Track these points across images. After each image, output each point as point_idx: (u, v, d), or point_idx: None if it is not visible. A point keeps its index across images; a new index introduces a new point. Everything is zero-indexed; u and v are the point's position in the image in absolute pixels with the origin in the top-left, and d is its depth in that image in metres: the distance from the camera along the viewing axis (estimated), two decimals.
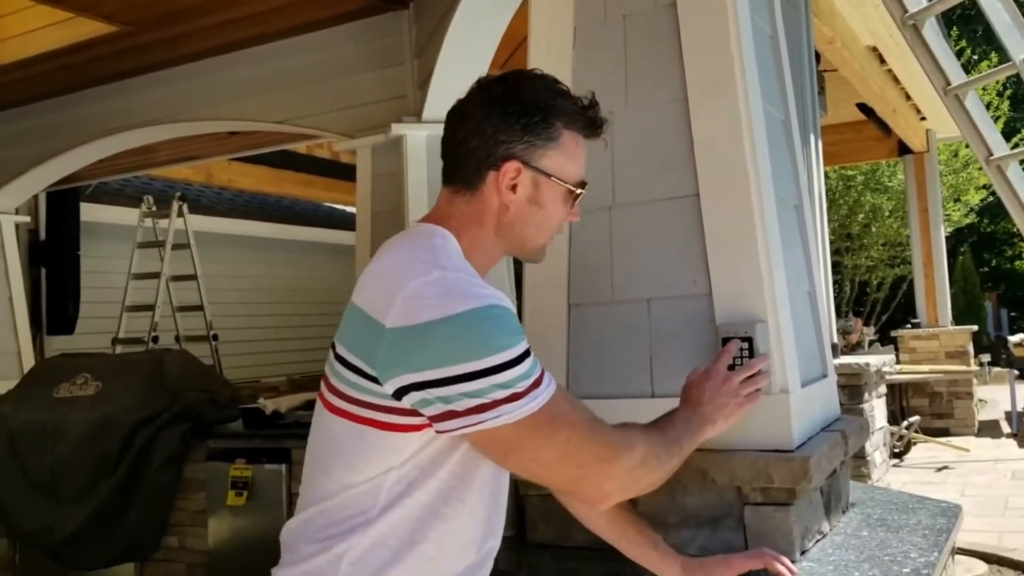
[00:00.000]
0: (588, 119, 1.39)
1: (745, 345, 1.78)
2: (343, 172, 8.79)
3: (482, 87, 1.40)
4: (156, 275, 7.20)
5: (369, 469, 1.25)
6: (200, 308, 7.24)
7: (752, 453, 1.76)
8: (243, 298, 9.40)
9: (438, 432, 1.22)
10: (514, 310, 1.25)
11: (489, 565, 1.39)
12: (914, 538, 1.89)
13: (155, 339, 7.01)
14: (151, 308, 7.09)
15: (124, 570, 4.56)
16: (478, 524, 1.33)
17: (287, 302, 10.09)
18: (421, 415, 1.21)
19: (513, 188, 1.35)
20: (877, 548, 1.83)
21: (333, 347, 1.31)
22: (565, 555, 1.92)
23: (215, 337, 7.24)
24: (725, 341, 1.80)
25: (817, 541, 1.89)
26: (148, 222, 7.40)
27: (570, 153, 1.39)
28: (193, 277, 7.22)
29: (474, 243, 1.37)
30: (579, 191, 1.41)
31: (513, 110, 1.34)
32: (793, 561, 1.69)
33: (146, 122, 5.31)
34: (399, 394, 1.20)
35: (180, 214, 7.31)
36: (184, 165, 7.34)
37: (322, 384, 1.34)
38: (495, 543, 1.39)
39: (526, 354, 1.21)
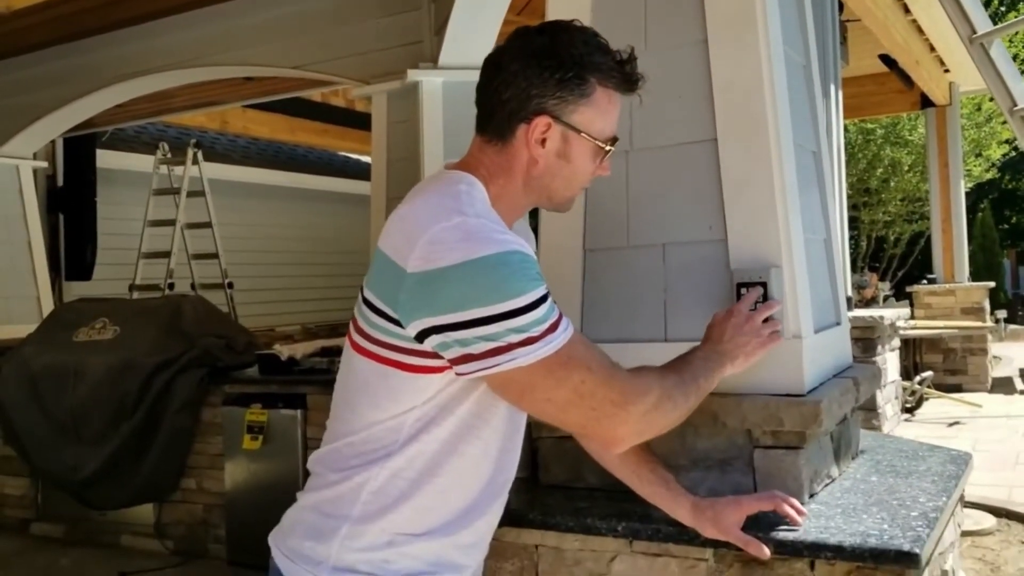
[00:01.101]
0: (623, 75, 1.39)
1: (760, 290, 1.79)
2: (358, 121, 8.76)
3: (520, 37, 1.39)
4: (171, 222, 7.24)
5: (393, 408, 1.30)
6: (215, 256, 7.28)
7: (763, 397, 1.77)
8: (258, 246, 9.44)
9: (458, 375, 1.25)
10: (534, 257, 1.26)
11: (503, 499, 1.43)
12: (923, 483, 1.90)
13: (171, 286, 7.08)
14: (167, 255, 7.14)
15: (143, 510, 4.67)
16: (491, 460, 1.37)
17: (302, 251, 10.13)
18: (443, 357, 1.24)
19: (542, 142, 1.37)
20: (886, 492, 1.85)
21: (362, 290, 1.34)
22: (576, 495, 1.95)
23: (230, 285, 7.30)
24: (739, 286, 1.80)
25: (826, 485, 1.90)
26: (163, 169, 7.42)
27: (602, 109, 1.39)
28: (208, 225, 7.26)
29: (502, 193, 1.39)
30: (608, 147, 1.42)
31: (548, 64, 1.34)
32: (802, 504, 1.71)
33: (163, 67, 5.29)
34: (420, 337, 1.23)
35: (195, 161, 7.32)
36: (200, 112, 7.32)
37: (351, 325, 1.37)
38: (508, 479, 1.43)
39: (543, 299, 1.23)
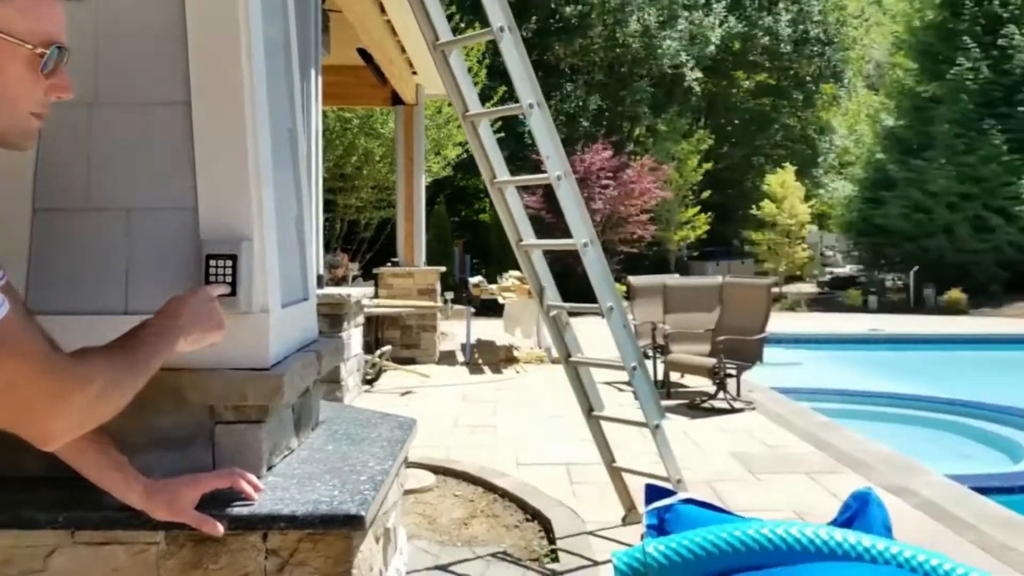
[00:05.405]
0: None
1: (229, 263, 1.76)
2: None
3: None
4: None
5: None
6: None
7: (228, 372, 1.75)
8: None
9: None
10: None
11: None
12: (373, 449, 2.06)
13: None
14: None
15: None
16: None
17: None
18: None
19: None
20: (339, 460, 1.96)
21: None
22: (14, 486, 1.73)
23: None
24: (209, 258, 1.76)
25: (285, 457, 1.95)
26: None
27: (21, 6, 1.16)
28: None
29: None
30: (43, 51, 1.17)
31: None
32: (259, 477, 1.73)
33: None
34: None
35: None
36: None
37: None
38: None
39: None
